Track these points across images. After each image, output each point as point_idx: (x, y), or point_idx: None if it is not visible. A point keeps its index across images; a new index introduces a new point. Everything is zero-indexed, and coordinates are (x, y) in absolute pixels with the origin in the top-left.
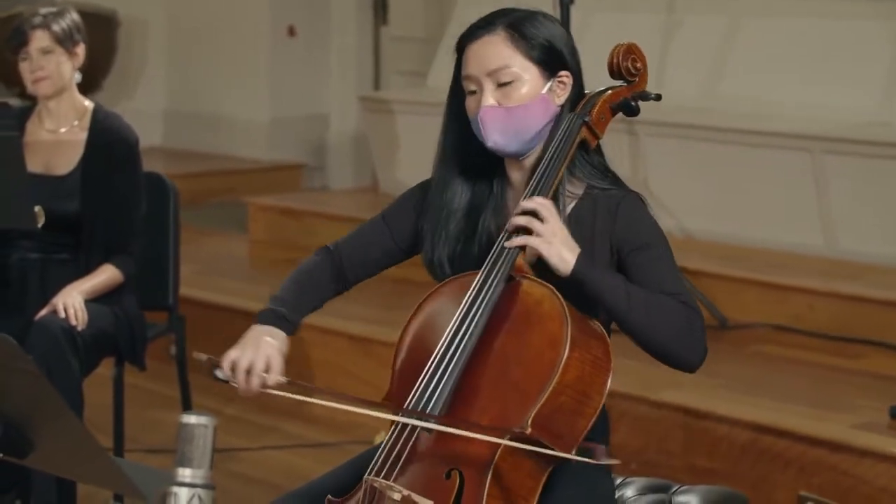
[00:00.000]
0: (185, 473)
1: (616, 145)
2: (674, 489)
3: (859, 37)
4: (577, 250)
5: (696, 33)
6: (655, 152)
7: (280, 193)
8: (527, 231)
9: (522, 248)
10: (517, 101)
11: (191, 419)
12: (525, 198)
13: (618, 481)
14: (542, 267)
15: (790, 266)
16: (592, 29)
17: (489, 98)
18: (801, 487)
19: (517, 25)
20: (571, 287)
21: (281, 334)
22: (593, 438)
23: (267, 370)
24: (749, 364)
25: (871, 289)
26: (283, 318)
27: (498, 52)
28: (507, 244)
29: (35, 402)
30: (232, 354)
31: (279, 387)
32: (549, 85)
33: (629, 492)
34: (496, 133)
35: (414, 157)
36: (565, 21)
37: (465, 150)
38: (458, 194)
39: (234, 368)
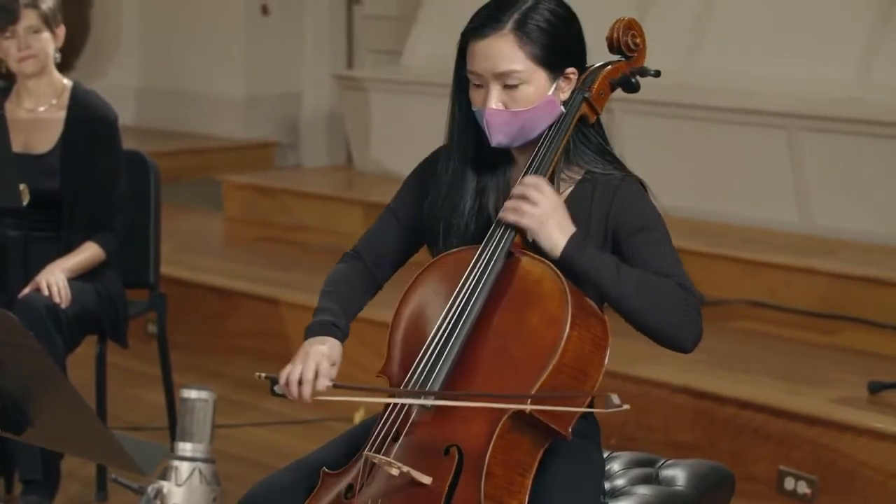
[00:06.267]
0: (185, 448)
1: None
2: (660, 463)
3: (835, 13)
4: (570, 231)
5: (671, 9)
6: (631, 129)
7: (254, 171)
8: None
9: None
10: (524, 105)
11: (191, 393)
12: (523, 176)
13: (604, 455)
14: (536, 246)
15: (766, 242)
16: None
17: (495, 100)
18: (780, 462)
19: (525, 24)
20: (563, 268)
21: (331, 340)
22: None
23: (316, 377)
24: (727, 340)
25: (846, 265)
26: (331, 325)
27: (505, 54)
28: (501, 218)
29: (35, 378)
30: (286, 369)
31: (329, 391)
32: (555, 84)
33: (616, 466)
34: (500, 134)
35: (388, 135)
36: None
37: (472, 136)
38: (468, 181)
39: (287, 382)
